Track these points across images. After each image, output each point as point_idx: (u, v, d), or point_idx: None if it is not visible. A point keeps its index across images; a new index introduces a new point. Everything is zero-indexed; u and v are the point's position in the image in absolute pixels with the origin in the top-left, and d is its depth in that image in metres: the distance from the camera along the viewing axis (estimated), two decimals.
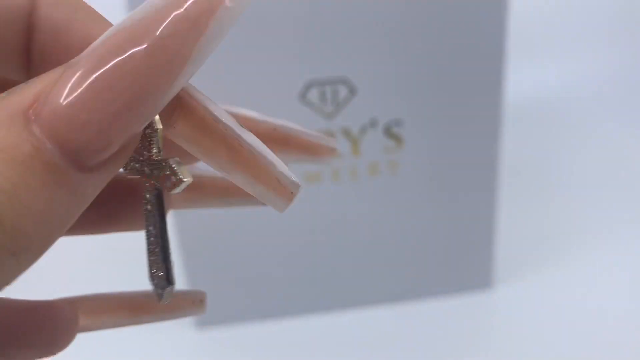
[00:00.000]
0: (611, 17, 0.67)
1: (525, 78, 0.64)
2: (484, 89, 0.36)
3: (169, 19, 0.13)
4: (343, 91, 0.36)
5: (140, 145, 0.16)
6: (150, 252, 0.17)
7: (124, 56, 0.13)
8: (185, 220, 0.39)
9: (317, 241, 0.41)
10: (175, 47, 0.13)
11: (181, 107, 0.15)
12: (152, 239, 0.17)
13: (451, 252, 0.43)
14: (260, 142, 0.16)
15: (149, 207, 0.17)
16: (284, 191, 0.16)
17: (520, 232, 0.48)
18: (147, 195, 0.17)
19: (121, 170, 0.16)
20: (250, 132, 0.16)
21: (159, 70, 0.13)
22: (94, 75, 0.13)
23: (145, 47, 0.13)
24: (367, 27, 0.34)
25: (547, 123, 0.62)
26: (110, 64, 0.13)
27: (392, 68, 0.35)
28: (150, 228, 0.17)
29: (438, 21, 0.34)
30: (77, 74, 0.13)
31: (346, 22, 0.34)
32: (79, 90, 0.13)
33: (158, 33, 0.13)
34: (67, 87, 0.13)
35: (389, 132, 0.37)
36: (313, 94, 0.36)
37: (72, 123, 0.13)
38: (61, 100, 0.13)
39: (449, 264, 0.43)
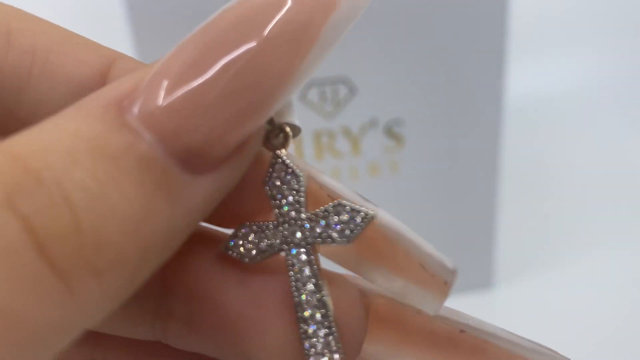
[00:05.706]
0: (611, 17, 0.67)
1: (525, 78, 0.64)
2: (484, 89, 0.36)
3: None
4: (343, 91, 0.36)
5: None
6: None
7: (248, 40, 0.11)
8: None
9: None
10: (301, 26, 0.11)
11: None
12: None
13: (451, 252, 0.42)
14: (387, 213, 0.12)
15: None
16: (434, 282, 0.12)
17: (520, 232, 0.48)
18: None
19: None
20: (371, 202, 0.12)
21: (281, 56, 0.11)
22: (211, 63, 0.11)
23: (264, 32, 0.11)
24: (367, 26, 0.34)
25: (548, 123, 0.62)
26: (237, 51, 0.11)
27: (393, 67, 0.35)
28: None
29: (438, 21, 0.34)
30: (189, 57, 0.11)
31: None
32: (192, 80, 0.11)
33: (280, 7, 0.11)
34: (179, 72, 0.11)
35: (389, 132, 0.37)
36: (313, 94, 0.35)
37: (183, 110, 0.10)
38: (168, 88, 0.10)
39: None
